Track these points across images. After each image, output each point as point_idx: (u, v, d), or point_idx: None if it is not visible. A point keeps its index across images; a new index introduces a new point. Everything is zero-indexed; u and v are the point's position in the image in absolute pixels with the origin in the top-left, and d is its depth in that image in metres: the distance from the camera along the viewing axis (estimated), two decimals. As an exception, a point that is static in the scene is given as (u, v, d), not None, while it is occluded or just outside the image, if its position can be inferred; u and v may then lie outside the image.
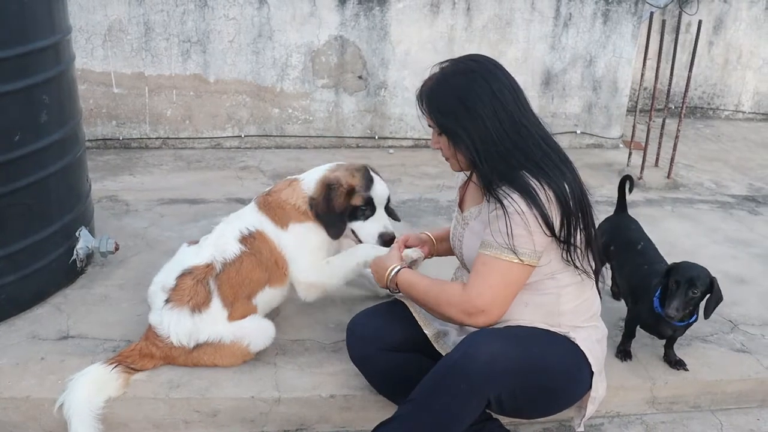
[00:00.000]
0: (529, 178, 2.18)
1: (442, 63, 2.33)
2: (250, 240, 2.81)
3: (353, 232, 2.94)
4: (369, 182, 2.88)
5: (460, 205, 2.59)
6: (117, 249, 3.44)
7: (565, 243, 2.24)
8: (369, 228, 2.90)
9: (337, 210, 2.83)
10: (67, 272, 3.32)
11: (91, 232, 3.51)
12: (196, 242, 2.92)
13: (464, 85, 2.23)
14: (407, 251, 2.65)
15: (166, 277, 2.77)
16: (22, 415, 2.60)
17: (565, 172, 2.24)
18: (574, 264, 2.30)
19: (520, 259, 2.18)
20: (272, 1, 5.24)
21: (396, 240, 2.76)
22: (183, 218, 4.15)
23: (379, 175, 2.97)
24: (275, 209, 2.87)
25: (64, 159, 3.18)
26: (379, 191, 2.90)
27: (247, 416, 2.69)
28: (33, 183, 2.99)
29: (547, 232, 2.18)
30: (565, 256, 2.27)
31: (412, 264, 2.63)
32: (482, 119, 2.21)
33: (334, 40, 5.43)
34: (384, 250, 2.79)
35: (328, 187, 2.84)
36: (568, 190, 2.20)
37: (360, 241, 2.93)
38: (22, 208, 2.98)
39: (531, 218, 2.15)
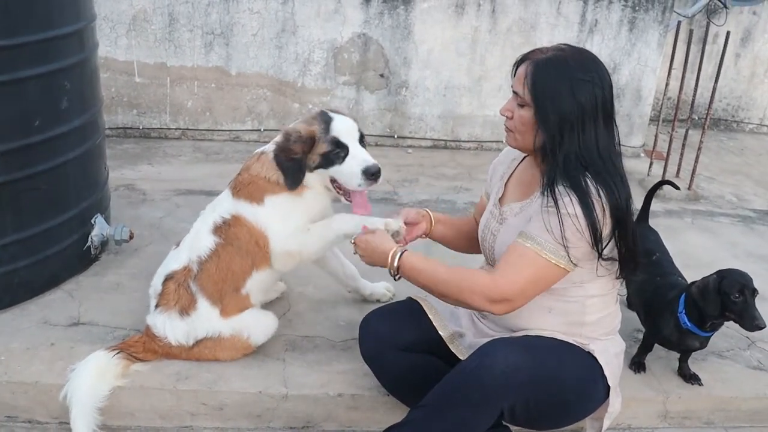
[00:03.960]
0: (591, 186, 2.14)
1: (560, 44, 2.25)
2: (225, 228, 2.71)
3: (335, 184, 2.71)
4: (328, 123, 2.67)
5: (500, 198, 2.51)
6: (132, 238, 3.45)
7: (612, 258, 2.21)
8: (348, 168, 2.64)
9: (295, 156, 2.65)
10: (80, 259, 3.33)
11: (107, 219, 3.51)
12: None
13: (580, 77, 2.16)
14: (389, 221, 2.54)
15: (157, 281, 2.81)
16: (30, 399, 2.61)
17: (625, 187, 2.20)
18: (620, 275, 2.27)
19: (564, 263, 2.15)
20: (297, -4, 5.24)
21: (398, 213, 2.63)
22: (199, 209, 4.03)
23: (340, 112, 2.76)
24: (248, 186, 2.73)
25: (83, 146, 3.19)
26: (341, 127, 2.67)
27: (253, 411, 2.67)
28: (51, 168, 3.00)
29: (592, 243, 2.15)
30: (599, 270, 2.24)
31: (394, 236, 2.51)
32: (580, 117, 2.15)
33: (358, 37, 5.41)
34: (363, 220, 2.60)
35: (286, 136, 2.69)
36: (624, 205, 2.17)
37: (347, 194, 2.72)
38: (38, 193, 2.98)
39: (583, 225, 2.12)
